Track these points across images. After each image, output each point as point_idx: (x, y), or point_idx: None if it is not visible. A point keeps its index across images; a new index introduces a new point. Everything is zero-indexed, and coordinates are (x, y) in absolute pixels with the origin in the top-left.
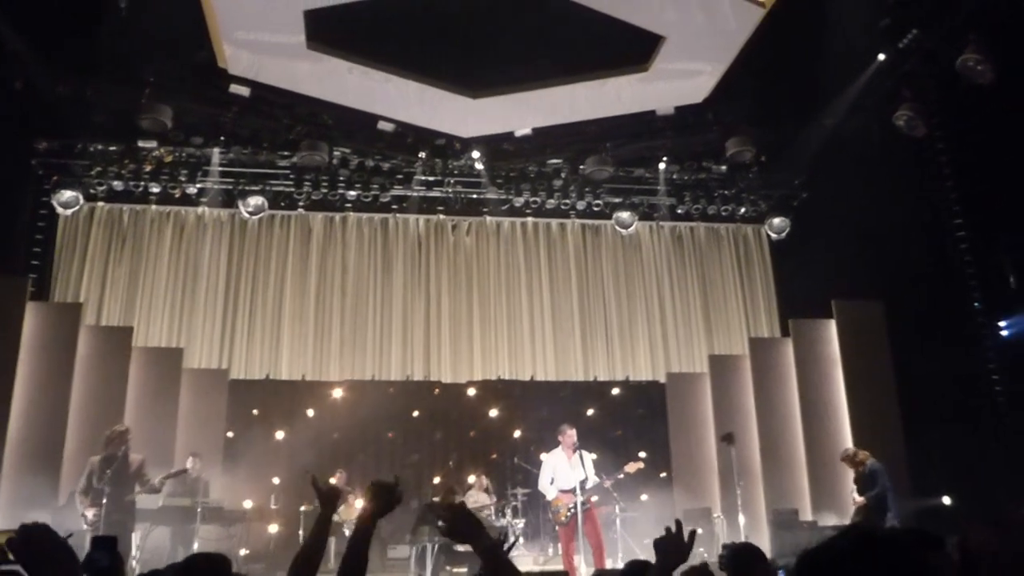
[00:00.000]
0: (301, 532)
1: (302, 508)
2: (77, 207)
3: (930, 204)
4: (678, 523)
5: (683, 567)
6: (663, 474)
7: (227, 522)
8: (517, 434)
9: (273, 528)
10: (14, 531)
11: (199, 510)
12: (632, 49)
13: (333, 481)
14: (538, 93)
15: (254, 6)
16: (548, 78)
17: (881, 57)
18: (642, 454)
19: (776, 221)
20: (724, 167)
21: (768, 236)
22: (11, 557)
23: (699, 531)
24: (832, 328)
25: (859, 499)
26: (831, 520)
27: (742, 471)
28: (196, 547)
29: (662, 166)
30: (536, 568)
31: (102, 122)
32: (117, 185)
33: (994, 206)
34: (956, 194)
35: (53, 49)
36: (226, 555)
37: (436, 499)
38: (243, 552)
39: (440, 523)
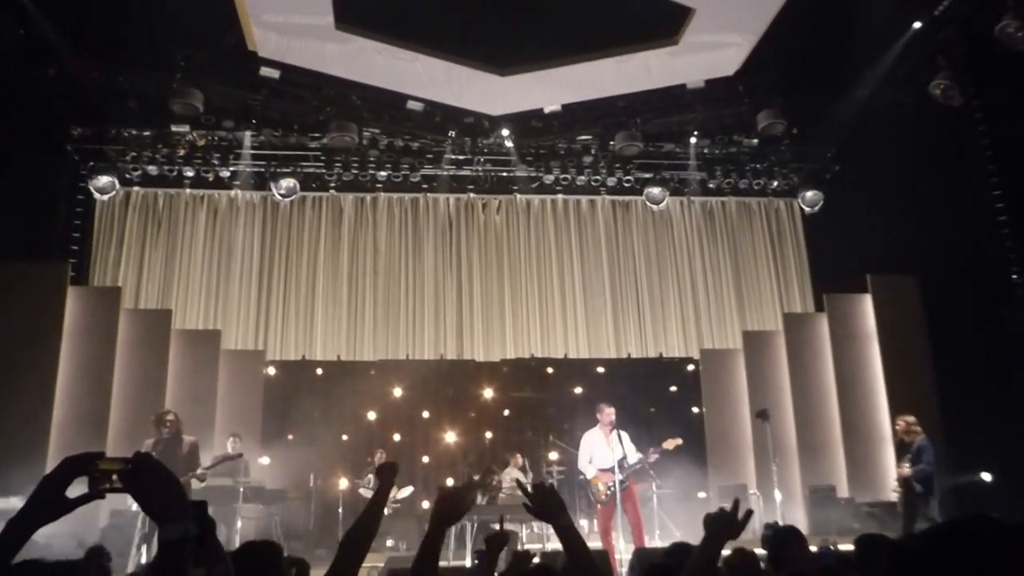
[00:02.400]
0: (340, 511)
1: (341, 487)
2: (113, 192)
3: (967, 175)
4: (736, 502)
5: (727, 547)
6: (698, 451)
7: (267, 501)
8: (551, 412)
9: (312, 507)
10: (127, 459)
11: (241, 490)
12: (661, 22)
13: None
14: (566, 69)
15: None
16: (576, 54)
17: (916, 25)
18: (677, 431)
19: (809, 194)
20: (755, 140)
21: (801, 210)
22: (118, 484)
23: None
24: (868, 302)
25: (906, 471)
26: (867, 496)
27: (777, 447)
28: (239, 526)
29: (692, 140)
30: None
31: (135, 107)
32: (151, 170)
33: None
34: (994, 165)
35: (84, 36)
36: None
37: (476, 478)
38: (283, 531)
39: (527, 503)
